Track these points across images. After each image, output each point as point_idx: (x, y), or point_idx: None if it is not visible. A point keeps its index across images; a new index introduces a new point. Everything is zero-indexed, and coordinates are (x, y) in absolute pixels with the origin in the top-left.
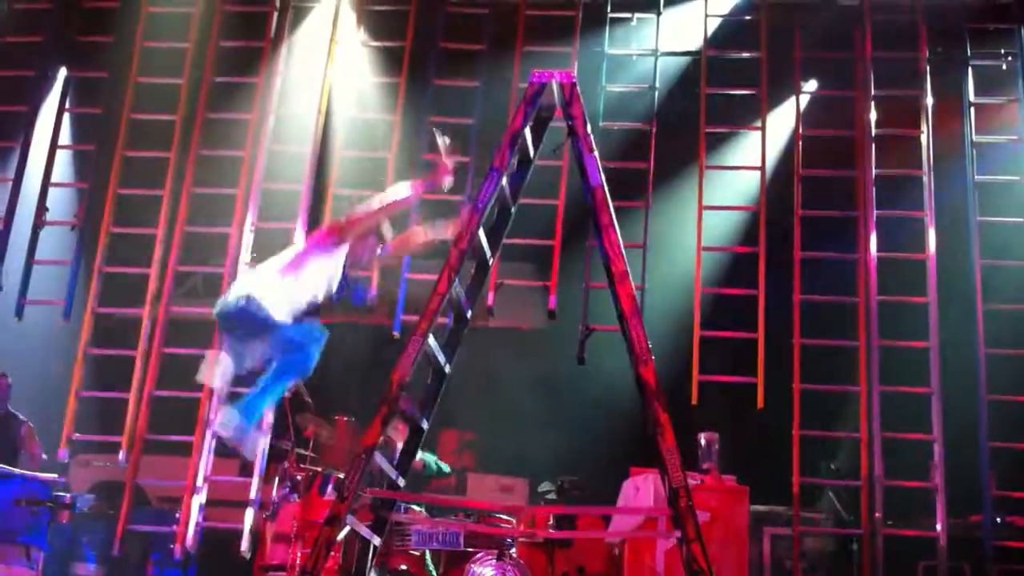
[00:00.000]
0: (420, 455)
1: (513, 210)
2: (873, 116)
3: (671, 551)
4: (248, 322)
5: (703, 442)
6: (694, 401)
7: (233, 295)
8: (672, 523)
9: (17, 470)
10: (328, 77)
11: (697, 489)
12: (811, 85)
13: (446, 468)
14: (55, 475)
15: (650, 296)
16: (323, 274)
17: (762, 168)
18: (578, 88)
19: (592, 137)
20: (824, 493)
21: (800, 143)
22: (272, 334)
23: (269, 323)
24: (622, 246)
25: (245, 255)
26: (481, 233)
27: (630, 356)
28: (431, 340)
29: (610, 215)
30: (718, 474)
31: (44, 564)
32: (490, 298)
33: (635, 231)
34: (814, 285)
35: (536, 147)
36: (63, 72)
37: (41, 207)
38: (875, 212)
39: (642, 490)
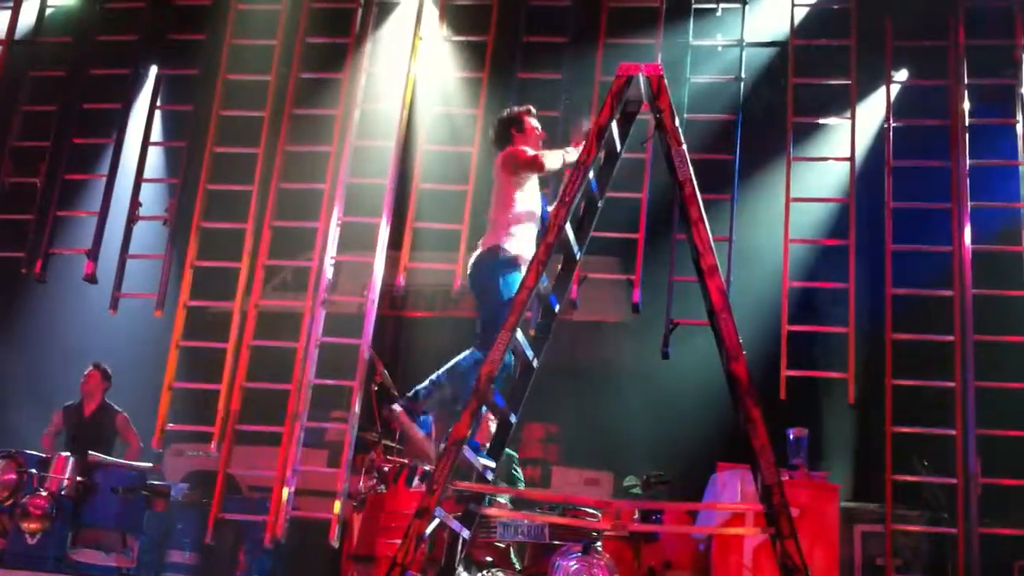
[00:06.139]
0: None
1: (600, 204)
2: (967, 105)
3: (759, 547)
4: None
5: (792, 438)
6: (782, 396)
7: None
8: (765, 519)
9: (112, 459)
10: (412, 73)
11: (787, 485)
12: (902, 74)
13: (520, 478)
14: (150, 464)
15: (736, 290)
16: None
17: (852, 159)
18: (665, 80)
19: (680, 130)
20: (918, 491)
21: (891, 133)
22: None
23: None
24: (712, 240)
25: (332, 249)
26: (568, 227)
27: (720, 351)
28: (519, 334)
29: (699, 209)
30: (807, 470)
31: (139, 551)
32: (574, 291)
33: (720, 224)
34: (906, 278)
35: (623, 141)
36: (155, 70)
37: (134, 202)
38: (969, 204)
39: (728, 486)
